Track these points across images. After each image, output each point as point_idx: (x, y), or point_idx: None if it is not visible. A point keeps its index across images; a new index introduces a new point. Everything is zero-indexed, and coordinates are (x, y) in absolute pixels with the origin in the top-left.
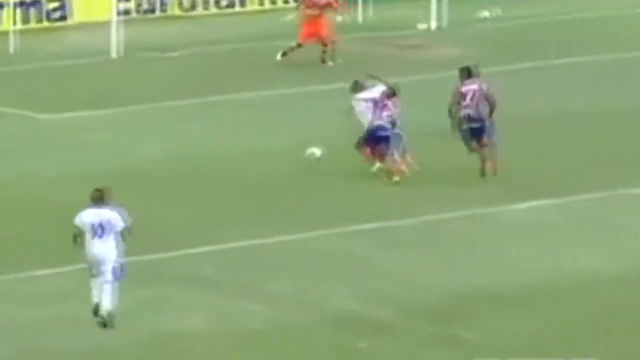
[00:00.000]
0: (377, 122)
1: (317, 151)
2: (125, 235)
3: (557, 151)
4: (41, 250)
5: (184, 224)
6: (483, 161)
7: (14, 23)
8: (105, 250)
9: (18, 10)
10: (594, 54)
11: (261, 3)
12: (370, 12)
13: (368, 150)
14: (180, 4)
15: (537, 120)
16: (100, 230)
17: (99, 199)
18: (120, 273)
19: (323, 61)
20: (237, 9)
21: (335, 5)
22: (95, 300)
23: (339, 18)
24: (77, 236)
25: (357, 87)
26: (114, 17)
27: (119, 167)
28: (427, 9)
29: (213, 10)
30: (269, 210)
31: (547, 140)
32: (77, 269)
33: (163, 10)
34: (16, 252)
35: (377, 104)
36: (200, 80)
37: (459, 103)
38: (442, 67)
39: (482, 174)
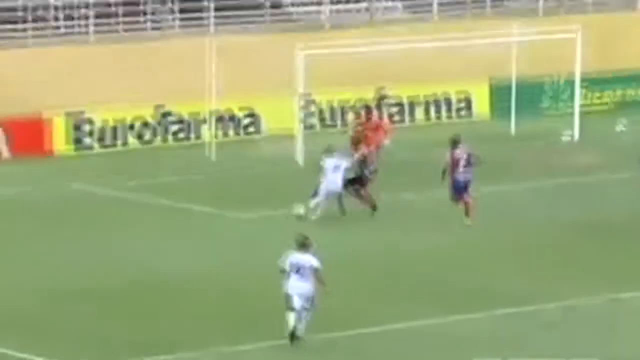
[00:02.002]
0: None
1: (301, 209)
2: (318, 273)
3: None
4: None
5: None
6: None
7: (215, 136)
8: (303, 287)
9: (219, 125)
10: None
11: (428, 118)
12: (522, 124)
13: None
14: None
15: None
16: (300, 270)
17: (302, 244)
18: (311, 305)
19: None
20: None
21: (385, 127)
22: (290, 327)
23: (386, 142)
24: (284, 274)
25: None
26: (300, 130)
27: None
28: (571, 122)
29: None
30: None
31: None
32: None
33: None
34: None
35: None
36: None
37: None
38: (581, 172)
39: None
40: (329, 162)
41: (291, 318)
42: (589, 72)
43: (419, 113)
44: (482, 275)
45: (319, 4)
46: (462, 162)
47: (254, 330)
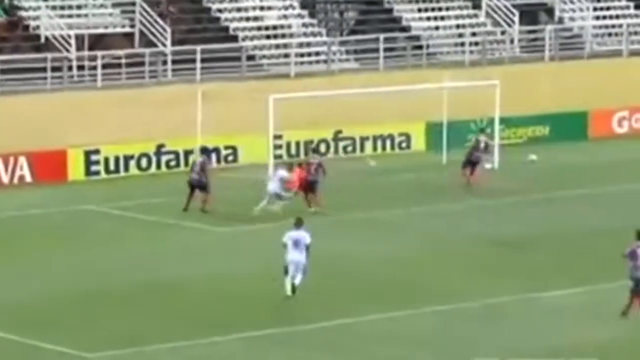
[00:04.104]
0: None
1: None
2: (308, 248)
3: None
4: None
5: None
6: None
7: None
8: (299, 257)
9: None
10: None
11: (375, 151)
12: (452, 155)
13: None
14: None
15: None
16: (297, 243)
17: (299, 223)
18: (304, 272)
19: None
20: None
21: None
22: (288, 286)
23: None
24: (285, 247)
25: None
26: (271, 161)
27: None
28: (492, 153)
29: None
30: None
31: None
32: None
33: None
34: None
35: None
36: None
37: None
38: (499, 195)
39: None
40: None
41: (287, 280)
42: (506, 113)
43: (368, 147)
44: (420, 278)
45: (287, 56)
46: (313, 167)
47: (231, 323)
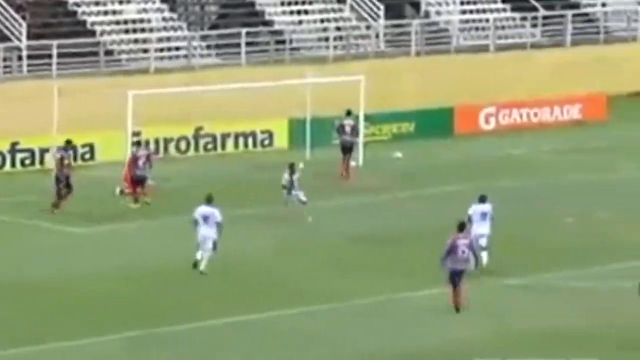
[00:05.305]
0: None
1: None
2: (219, 226)
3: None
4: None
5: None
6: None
7: None
8: (209, 232)
9: None
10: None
11: (237, 149)
12: (316, 153)
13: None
14: None
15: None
16: (207, 219)
17: (209, 199)
18: (213, 248)
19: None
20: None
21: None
22: (197, 258)
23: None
24: (195, 223)
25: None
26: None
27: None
28: (357, 151)
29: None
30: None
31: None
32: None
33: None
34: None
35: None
36: None
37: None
38: (364, 192)
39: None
40: None
41: (198, 254)
42: (371, 108)
43: (229, 145)
44: (285, 277)
45: (146, 51)
46: (141, 160)
47: (102, 324)
